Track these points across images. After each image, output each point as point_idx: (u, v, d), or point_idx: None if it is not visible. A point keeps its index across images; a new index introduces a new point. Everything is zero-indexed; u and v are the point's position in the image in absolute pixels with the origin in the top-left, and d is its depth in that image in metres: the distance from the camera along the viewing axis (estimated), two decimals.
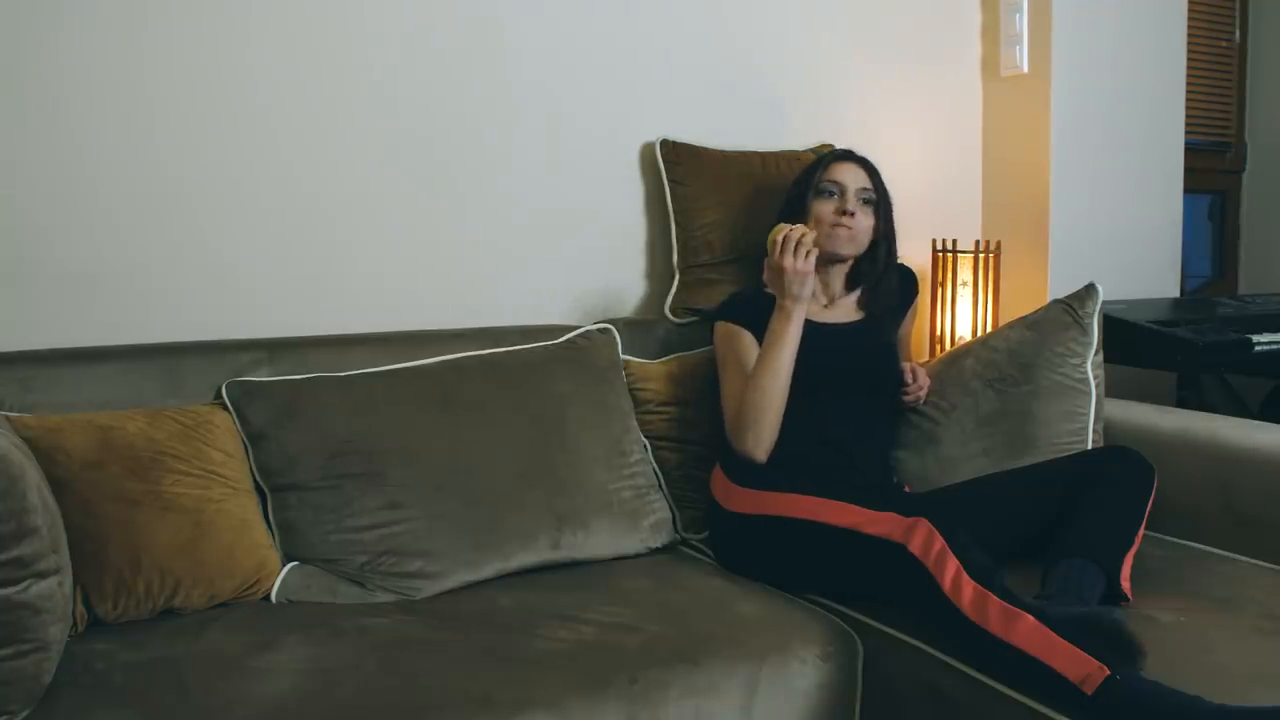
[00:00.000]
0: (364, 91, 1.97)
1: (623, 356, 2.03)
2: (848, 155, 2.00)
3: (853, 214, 1.92)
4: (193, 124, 1.83)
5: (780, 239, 1.80)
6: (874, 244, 1.97)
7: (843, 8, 2.45)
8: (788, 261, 1.79)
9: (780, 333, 1.81)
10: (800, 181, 2.00)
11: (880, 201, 1.97)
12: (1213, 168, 3.25)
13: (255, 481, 1.67)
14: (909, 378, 1.99)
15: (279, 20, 1.88)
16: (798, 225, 1.83)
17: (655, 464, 1.97)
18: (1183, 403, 2.35)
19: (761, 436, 1.79)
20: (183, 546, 1.51)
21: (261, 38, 1.87)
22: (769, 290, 1.99)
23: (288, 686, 1.29)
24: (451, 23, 2.04)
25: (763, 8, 2.35)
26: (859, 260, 1.99)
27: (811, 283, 1.81)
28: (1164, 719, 1.21)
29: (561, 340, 1.96)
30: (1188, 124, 2.77)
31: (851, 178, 1.95)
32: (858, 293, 2.01)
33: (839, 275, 2.00)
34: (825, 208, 1.94)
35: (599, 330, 2.01)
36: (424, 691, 1.28)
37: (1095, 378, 1.98)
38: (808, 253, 1.79)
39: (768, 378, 1.80)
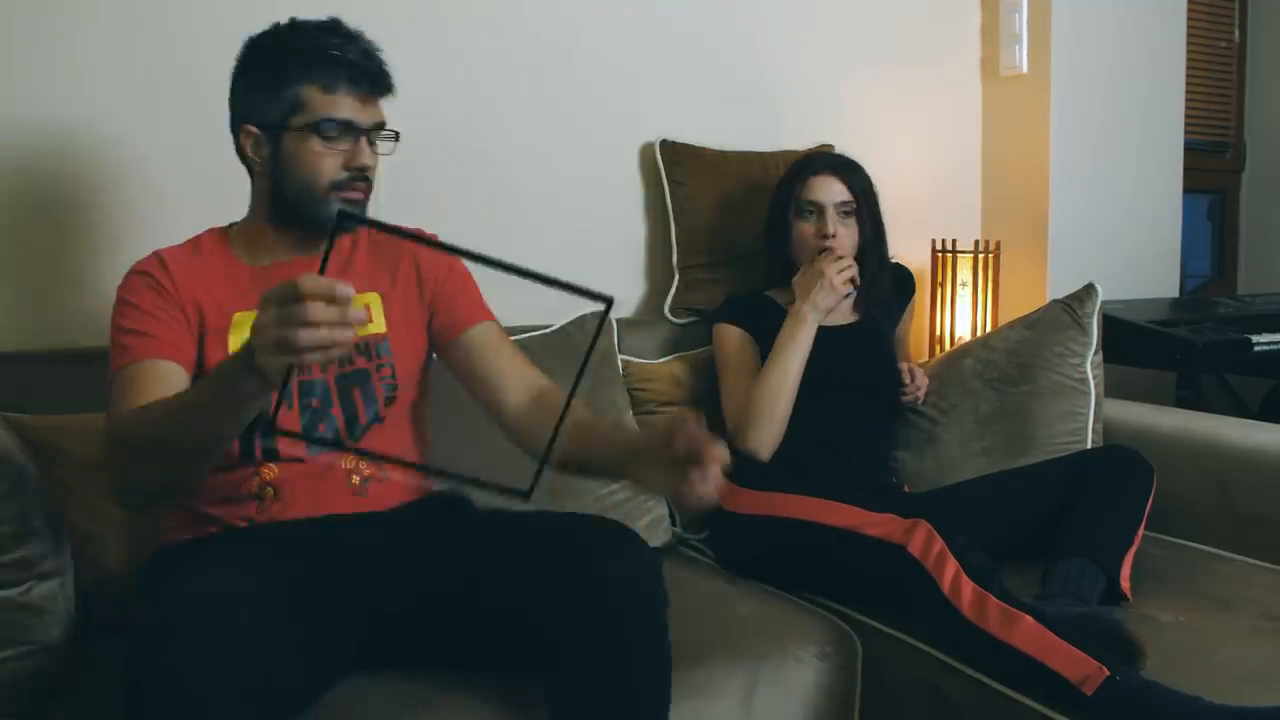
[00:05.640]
0: None
1: (623, 357, 2.03)
2: (823, 166, 1.95)
3: (834, 235, 1.90)
4: (194, 124, 1.82)
5: (834, 253, 1.88)
6: (862, 249, 1.95)
7: (843, 8, 2.45)
8: (829, 268, 1.84)
9: (793, 335, 1.82)
10: (779, 197, 1.98)
11: (862, 207, 1.93)
12: (1212, 168, 3.25)
13: None
14: (907, 378, 1.99)
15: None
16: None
17: None
18: (1182, 402, 2.35)
19: (767, 435, 1.80)
20: None
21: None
22: (769, 293, 2.00)
23: None
24: (450, 22, 2.04)
25: (763, 8, 2.35)
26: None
27: (835, 302, 1.86)
28: (1163, 719, 1.21)
29: (553, 329, 1.93)
30: (1187, 124, 2.77)
31: (829, 193, 1.92)
32: (854, 295, 2.01)
33: None
34: (806, 229, 1.93)
35: (592, 315, 1.96)
36: (416, 690, 1.27)
37: (1094, 377, 1.98)
38: (848, 280, 1.86)
39: (777, 377, 1.80)
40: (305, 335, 0.89)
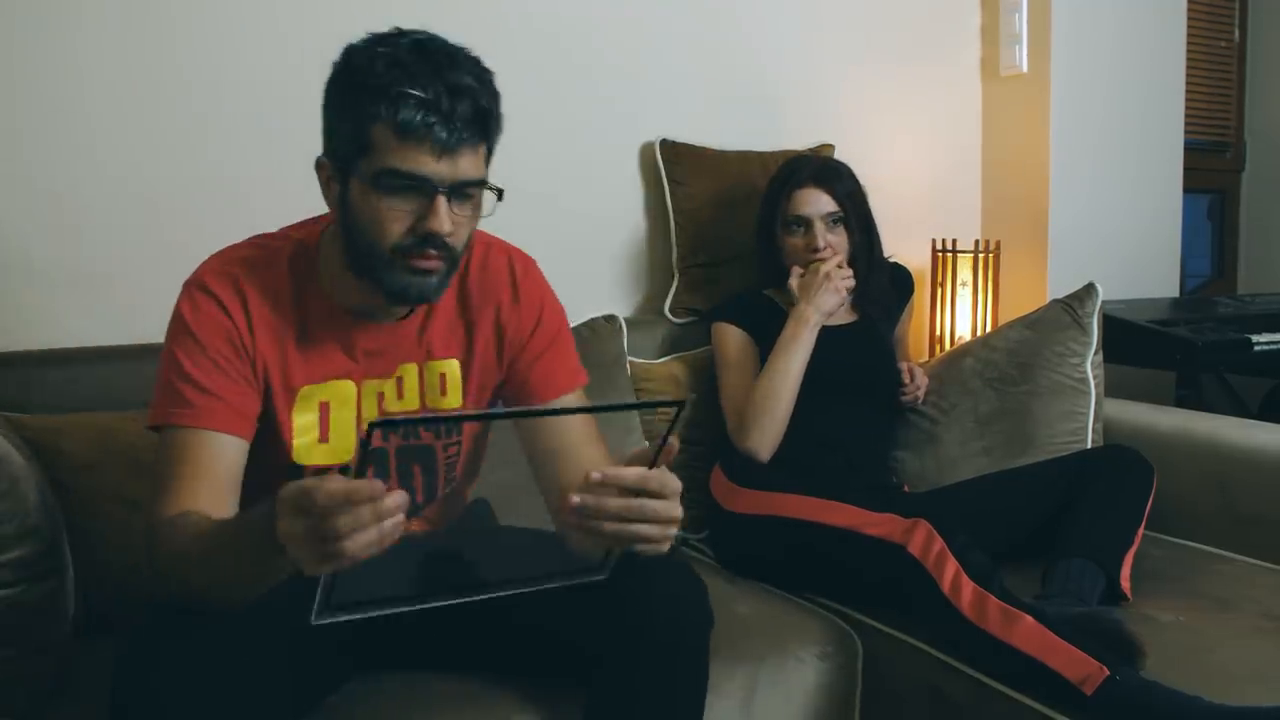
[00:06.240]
0: None
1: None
2: (807, 178, 1.92)
3: (825, 247, 1.89)
4: (193, 125, 1.82)
5: (835, 257, 1.88)
6: (853, 254, 1.93)
7: (843, 8, 2.45)
8: (835, 270, 1.85)
9: (795, 335, 1.82)
10: (766, 209, 1.97)
11: (850, 213, 1.92)
12: (1212, 167, 3.25)
13: None
14: (906, 377, 1.99)
15: (281, 24, 1.88)
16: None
17: None
18: (1182, 402, 2.35)
19: (766, 435, 1.80)
20: None
21: (257, 41, 1.87)
22: (768, 292, 2.00)
23: None
24: (450, 21, 2.04)
25: (763, 8, 2.35)
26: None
27: (838, 304, 1.87)
28: (1163, 719, 1.21)
29: None
30: (1188, 124, 2.77)
31: (815, 206, 1.90)
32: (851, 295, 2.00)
33: None
34: (795, 243, 1.92)
35: (604, 319, 1.98)
36: (419, 689, 1.28)
37: (1095, 377, 1.98)
38: (848, 289, 1.88)
39: (778, 378, 1.80)
40: (342, 547, 0.80)
